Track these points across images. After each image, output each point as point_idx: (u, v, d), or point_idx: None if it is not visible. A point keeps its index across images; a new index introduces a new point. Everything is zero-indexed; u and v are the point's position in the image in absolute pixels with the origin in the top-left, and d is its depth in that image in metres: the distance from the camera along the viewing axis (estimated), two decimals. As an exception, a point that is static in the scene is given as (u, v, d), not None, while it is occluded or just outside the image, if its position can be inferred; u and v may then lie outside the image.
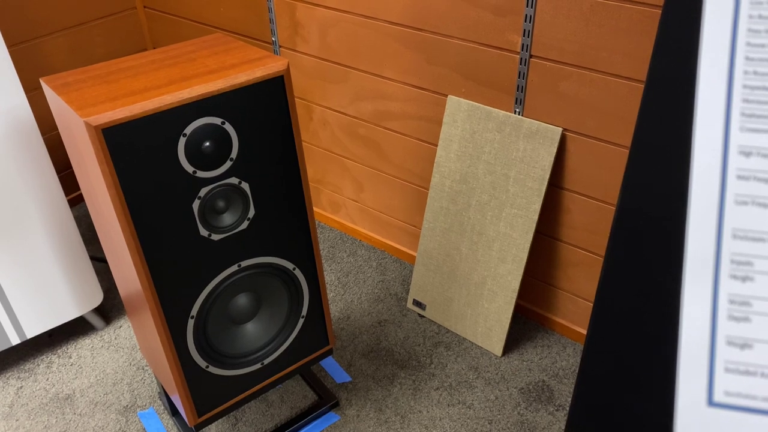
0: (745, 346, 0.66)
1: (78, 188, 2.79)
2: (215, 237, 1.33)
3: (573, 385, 1.87)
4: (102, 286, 2.31)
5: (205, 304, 1.38)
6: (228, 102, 1.23)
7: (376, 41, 1.99)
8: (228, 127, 1.25)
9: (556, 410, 1.80)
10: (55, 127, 2.64)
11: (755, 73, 0.65)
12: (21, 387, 1.93)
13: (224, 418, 1.81)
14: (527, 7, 1.61)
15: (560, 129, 1.69)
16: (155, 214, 1.23)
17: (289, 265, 1.48)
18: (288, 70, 1.28)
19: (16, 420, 1.83)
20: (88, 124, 1.09)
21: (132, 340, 2.08)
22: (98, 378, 1.95)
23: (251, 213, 1.36)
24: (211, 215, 1.31)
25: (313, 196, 2.60)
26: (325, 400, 1.83)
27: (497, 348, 1.97)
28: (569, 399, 1.83)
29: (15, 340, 1.87)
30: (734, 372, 0.66)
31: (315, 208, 2.63)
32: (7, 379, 1.96)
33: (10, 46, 2.39)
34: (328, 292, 2.26)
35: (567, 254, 1.91)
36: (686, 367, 0.68)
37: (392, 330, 2.08)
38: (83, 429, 1.80)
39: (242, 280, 1.42)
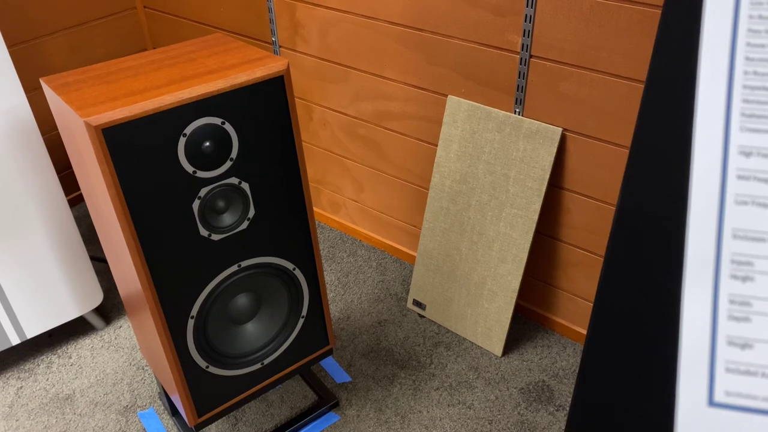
0: (745, 346, 0.66)
1: (78, 188, 2.79)
2: (215, 237, 1.33)
3: (573, 385, 1.87)
4: (102, 286, 2.31)
5: (205, 304, 1.38)
6: (228, 102, 1.23)
7: (376, 41, 1.99)
8: (228, 127, 1.25)
9: (556, 410, 1.80)
10: (55, 127, 2.64)
11: (755, 73, 0.65)
12: (21, 387, 1.93)
13: (224, 418, 1.81)
14: (527, 7, 1.61)
15: (560, 129, 1.69)
16: (155, 214, 1.23)
17: (289, 265, 1.48)
18: (288, 70, 1.28)
19: (16, 420, 1.83)
20: (88, 124, 1.09)
21: (132, 340, 2.08)
22: (98, 378, 1.95)
23: (251, 213, 1.36)
24: (211, 215, 1.31)
25: (313, 196, 2.60)
26: (325, 400, 1.83)
27: (497, 348, 1.97)
28: (569, 399, 1.83)
29: (15, 340, 1.87)
30: (735, 372, 0.66)
31: (315, 208, 2.63)
32: (7, 379, 1.96)
33: (10, 46, 2.39)
34: (328, 292, 2.26)
35: (567, 254, 1.91)
36: (687, 367, 0.68)
37: (392, 330, 2.08)
38: (83, 429, 1.80)
39: (242, 280, 1.42)
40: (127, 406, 1.86)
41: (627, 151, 1.65)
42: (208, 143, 1.23)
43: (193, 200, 1.26)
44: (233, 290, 1.42)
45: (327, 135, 2.36)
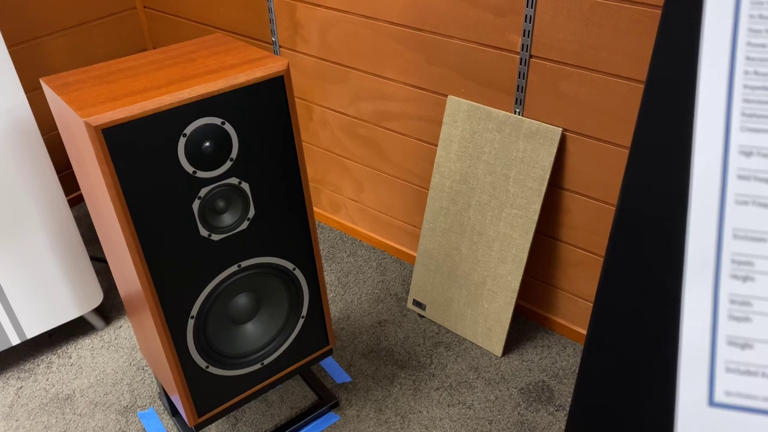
0: (745, 346, 0.66)
1: (78, 188, 2.79)
2: (215, 237, 1.33)
3: (573, 385, 1.87)
4: (102, 286, 2.31)
5: (205, 304, 1.38)
6: (228, 102, 1.23)
7: (376, 41, 1.99)
8: (228, 127, 1.25)
9: (556, 410, 1.80)
10: (55, 127, 2.64)
11: (756, 73, 0.65)
12: (21, 387, 1.93)
13: (224, 418, 1.81)
14: (527, 7, 1.61)
15: (560, 129, 1.69)
16: (155, 214, 1.23)
17: (289, 265, 1.48)
18: (288, 70, 1.28)
19: (16, 420, 1.83)
20: (88, 124, 1.09)
21: (132, 340, 2.08)
22: (98, 378, 1.95)
23: (251, 213, 1.36)
24: (211, 215, 1.31)
25: (313, 196, 2.60)
26: (325, 400, 1.83)
27: (497, 348, 1.97)
28: (569, 399, 1.83)
29: (15, 340, 1.87)
30: (735, 372, 0.66)
31: (315, 208, 2.63)
32: (7, 379, 1.96)
33: (10, 46, 2.39)
34: (328, 292, 2.26)
35: (567, 254, 1.91)
36: (687, 367, 0.68)
37: (392, 330, 2.08)
38: (83, 429, 1.80)
39: (242, 280, 1.42)
40: (127, 406, 1.86)
41: (627, 151, 1.64)
42: (208, 143, 1.23)
43: (193, 200, 1.26)
44: (233, 290, 1.42)
45: (327, 135, 2.36)
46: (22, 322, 1.86)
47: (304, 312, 1.57)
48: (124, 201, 1.18)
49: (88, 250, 2.47)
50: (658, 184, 0.93)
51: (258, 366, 1.53)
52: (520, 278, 1.85)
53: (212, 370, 1.46)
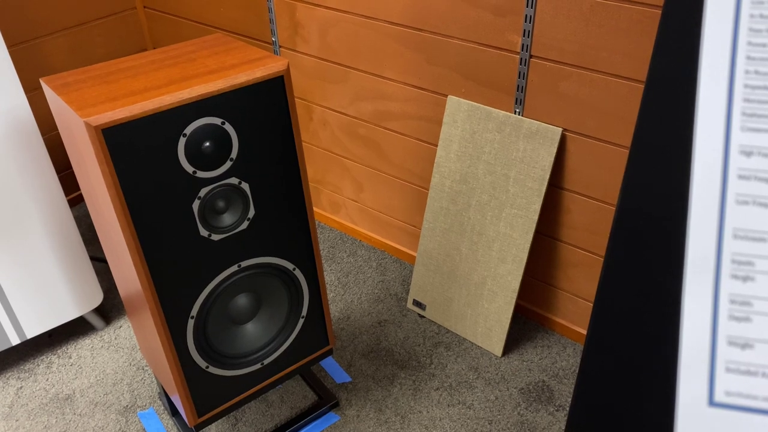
0: (746, 346, 0.66)
1: (78, 188, 2.79)
2: (215, 237, 1.33)
3: (573, 385, 1.87)
4: (102, 286, 2.31)
5: (205, 304, 1.38)
6: (228, 102, 1.23)
7: (376, 41, 1.99)
8: (228, 127, 1.25)
9: (556, 410, 1.80)
10: (55, 127, 2.64)
11: (756, 72, 0.65)
12: (21, 387, 1.93)
13: (224, 418, 1.81)
14: (527, 7, 1.61)
15: (560, 129, 1.69)
16: (155, 214, 1.23)
17: (289, 266, 1.48)
18: (288, 70, 1.28)
19: (16, 420, 1.83)
20: (88, 124, 1.09)
21: (132, 340, 2.08)
22: (98, 378, 1.95)
23: (251, 213, 1.36)
24: (211, 215, 1.31)
25: (313, 196, 2.60)
26: (325, 400, 1.83)
27: (497, 348, 1.97)
28: (569, 399, 1.83)
29: (15, 340, 1.87)
30: (735, 372, 0.66)
31: (315, 208, 2.63)
32: (7, 379, 1.96)
33: (10, 46, 2.39)
34: (328, 292, 2.26)
35: (567, 254, 1.91)
36: (687, 367, 0.68)
37: (392, 330, 2.08)
38: (83, 429, 1.80)
39: (242, 280, 1.42)
40: (127, 406, 1.86)
41: (627, 151, 1.64)
42: (208, 143, 1.23)
43: (193, 200, 1.26)
44: (233, 290, 1.42)
45: (327, 135, 2.36)
46: (22, 322, 1.86)
47: (304, 312, 1.57)
48: (124, 201, 1.18)
49: (88, 250, 2.47)
50: (658, 184, 0.93)
51: (258, 366, 1.53)
52: (520, 278, 1.85)
53: (212, 370, 1.45)
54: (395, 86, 2.03)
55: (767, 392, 0.66)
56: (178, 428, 1.78)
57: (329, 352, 1.69)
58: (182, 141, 1.20)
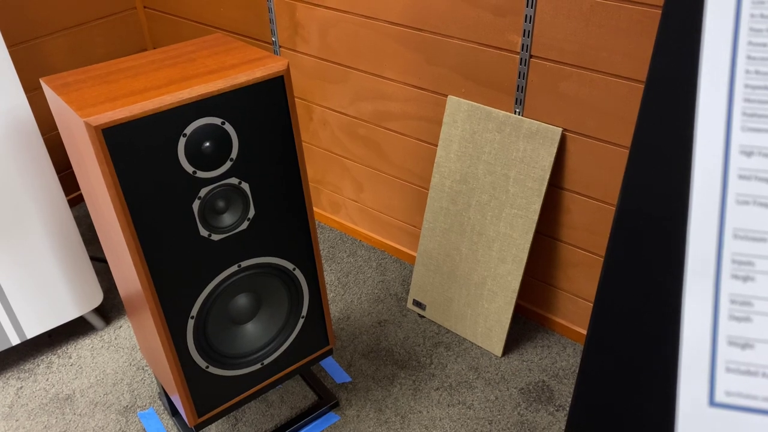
0: (746, 346, 0.66)
1: (78, 188, 2.79)
2: (215, 237, 1.33)
3: (573, 385, 1.87)
4: (102, 286, 2.31)
5: (205, 304, 1.38)
6: (228, 102, 1.23)
7: (376, 41, 1.99)
8: (228, 127, 1.25)
9: (556, 410, 1.80)
10: (55, 127, 2.64)
11: (757, 72, 0.65)
12: (21, 387, 1.93)
13: (224, 418, 1.81)
14: (527, 7, 1.61)
15: (560, 129, 1.69)
16: (155, 214, 1.23)
17: (289, 266, 1.48)
18: (288, 70, 1.28)
19: (16, 420, 1.83)
20: (88, 124, 1.09)
21: (132, 340, 2.08)
22: (98, 378, 1.95)
23: (251, 213, 1.36)
24: (211, 215, 1.31)
25: (313, 196, 2.60)
26: (325, 400, 1.82)
27: (497, 348, 1.97)
28: (569, 399, 1.83)
29: (15, 340, 1.87)
30: (735, 372, 0.66)
31: (315, 208, 2.63)
32: (7, 379, 1.96)
33: (10, 46, 2.39)
34: (328, 292, 2.26)
35: (567, 254, 1.91)
36: (687, 367, 0.68)
37: (392, 330, 2.08)
38: (83, 429, 1.80)
39: (242, 280, 1.42)
40: (127, 406, 1.86)
41: (627, 151, 1.64)
42: (208, 143, 1.23)
43: (193, 200, 1.26)
44: (233, 290, 1.42)
45: (327, 135, 2.36)
46: (22, 322, 1.86)
47: (304, 312, 1.57)
48: (124, 201, 1.18)
49: (88, 250, 2.47)
50: (658, 184, 0.93)
51: (258, 366, 1.53)
52: (520, 278, 1.85)
53: (212, 370, 1.45)
54: (395, 86, 2.03)
55: (767, 392, 0.66)
56: (178, 428, 1.78)
57: (329, 352, 1.69)
58: (182, 141, 1.20)
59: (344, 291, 2.25)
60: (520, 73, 1.72)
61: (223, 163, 1.27)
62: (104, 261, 2.39)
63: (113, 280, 2.33)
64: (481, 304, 1.97)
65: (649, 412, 1.08)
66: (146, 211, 1.21)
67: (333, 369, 1.95)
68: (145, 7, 2.72)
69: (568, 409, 1.79)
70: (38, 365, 2.00)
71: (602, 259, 1.77)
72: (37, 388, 1.92)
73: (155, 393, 1.89)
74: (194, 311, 1.37)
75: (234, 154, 1.28)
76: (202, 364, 1.43)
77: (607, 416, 1.15)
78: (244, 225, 1.36)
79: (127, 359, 2.01)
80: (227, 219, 1.33)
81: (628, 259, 1.00)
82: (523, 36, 1.66)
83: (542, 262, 1.98)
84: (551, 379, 1.89)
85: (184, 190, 1.24)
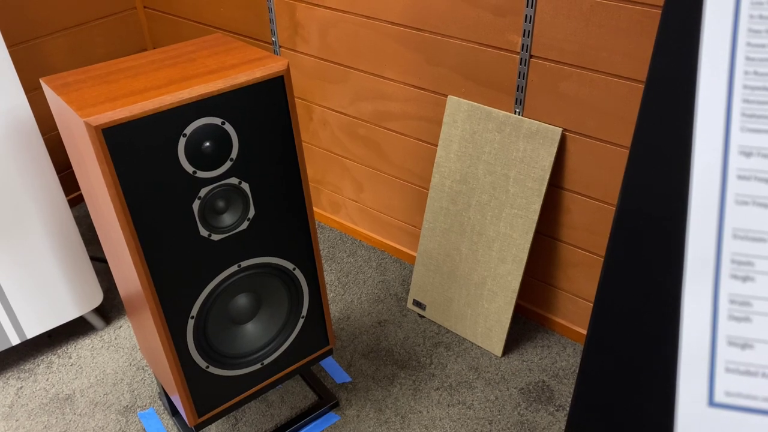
0: (745, 346, 0.66)
1: (78, 188, 2.79)
2: (215, 237, 1.33)
3: (573, 385, 1.87)
4: (102, 286, 2.31)
5: (205, 304, 1.38)
6: (228, 102, 1.23)
7: (376, 41, 1.99)
8: (228, 127, 1.25)
9: (556, 410, 1.80)
10: (55, 127, 2.64)
11: (756, 73, 0.65)
12: (21, 387, 1.93)
13: (224, 418, 1.81)
14: (527, 7, 1.61)
15: (560, 129, 1.69)
16: (155, 214, 1.23)
17: (289, 266, 1.48)
18: (288, 70, 1.28)
19: (16, 420, 1.83)
20: (88, 124, 1.09)
21: (132, 340, 2.08)
22: (98, 378, 1.95)
23: (251, 213, 1.36)
24: (211, 215, 1.31)
25: (313, 196, 2.60)
26: (325, 400, 1.83)
27: (497, 348, 1.97)
28: (569, 399, 1.83)
29: (15, 340, 1.87)
30: (735, 372, 0.66)
31: (315, 208, 2.63)
32: (7, 379, 1.96)
33: (10, 46, 2.39)
34: (328, 292, 2.26)
35: (567, 254, 1.91)
36: (687, 367, 0.68)
37: (392, 330, 2.08)
38: (83, 429, 1.80)
39: (242, 280, 1.42)
40: (127, 406, 1.86)
41: (627, 151, 1.64)
42: (208, 143, 1.23)
43: (193, 200, 1.26)
44: (233, 290, 1.42)
45: (327, 135, 2.36)
46: (22, 322, 1.86)
47: (304, 312, 1.57)
48: (124, 201, 1.18)
49: (88, 250, 2.47)
50: (658, 184, 0.93)
51: (258, 366, 1.53)
52: (520, 278, 1.85)
53: (212, 370, 1.46)
54: (395, 86, 2.03)
55: (767, 392, 0.66)
56: (178, 428, 1.78)
57: (329, 352, 1.69)
58: (182, 141, 1.20)
59: (344, 291, 2.25)
60: (520, 73, 1.72)
61: (223, 163, 1.27)
62: (104, 261, 2.39)
63: (113, 280, 2.33)
64: (481, 304, 1.97)
65: (648, 412, 1.08)
66: (146, 211, 1.21)
67: (333, 369, 1.95)
68: (145, 7, 2.72)
69: (568, 409, 1.79)
70: (38, 365, 2.00)
71: (602, 259, 1.77)
72: (37, 388, 1.92)
73: (155, 393, 1.89)
74: (194, 311, 1.37)
75: (234, 154, 1.28)
76: (202, 364, 1.43)
77: (607, 416, 1.15)
78: (244, 225, 1.36)
79: (127, 359, 2.01)
80: (227, 219, 1.33)
81: (628, 259, 1.00)
82: (523, 36, 1.66)
83: (542, 262, 1.98)
84: (551, 379, 1.89)
85: (184, 190, 1.24)
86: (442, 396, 1.85)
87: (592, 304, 1.94)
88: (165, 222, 1.24)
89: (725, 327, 0.67)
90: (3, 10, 2.33)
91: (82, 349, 2.05)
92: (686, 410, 0.68)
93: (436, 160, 1.96)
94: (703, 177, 0.67)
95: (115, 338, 2.09)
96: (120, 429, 1.79)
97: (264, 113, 1.29)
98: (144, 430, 1.79)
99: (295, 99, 2.26)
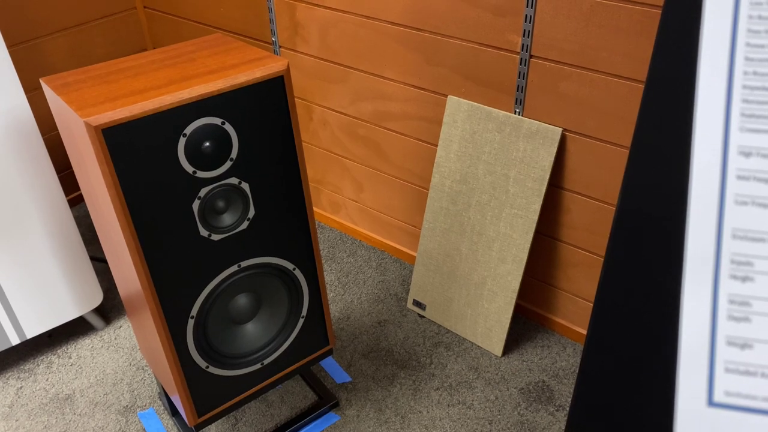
0: (745, 346, 0.66)
1: (78, 188, 2.79)
2: (215, 237, 1.33)
3: (573, 385, 1.87)
4: (102, 286, 2.31)
5: (205, 304, 1.38)
6: (228, 102, 1.23)
7: (376, 41, 1.99)
8: (228, 127, 1.25)
9: (556, 410, 1.80)
10: (55, 127, 2.65)
11: (755, 73, 0.65)
12: (21, 387, 1.93)
13: (224, 418, 1.81)
14: (527, 7, 1.61)
15: (560, 129, 1.69)
16: (155, 215, 1.23)
17: (289, 266, 1.48)
18: (288, 70, 1.28)
19: (16, 420, 1.83)
20: (88, 124, 1.09)
21: (132, 340, 2.08)
22: (98, 378, 1.95)
23: (251, 213, 1.36)
24: (211, 215, 1.31)
25: (313, 196, 2.60)
26: (325, 400, 1.83)
27: (497, 348, 1.97)
28: (569, 399, 1.83)
29: (15, 340, 1.87)
30: (734, 372, 0.66)
31: (315, 208, 2.63)
32: (7, 379, 1.96)
33: (10, 46, 2.39)
34: (328, 292, 2.26)
35: (567, 254, 1.91)
36: (686, 367, 0.68)
37: (392, 330, 2.08)
38: (83, 429, 1.80)
39: (242, 280, 1.42)
40: (127, 406, 1.86)
41: (627, 151, 1.65)
42: (208, 143, 1.23)
43: (193, 200, 1.26)
44: (233, 290, 1.42)
45: (327, 135, 2.36)
46: (22, 322, 1.86)
47: (304, 312, 1.57)
48: (124, 201, 1.18)
49: (88, 250, 2.47)
50: (658, 184, 0.93)
51: (258, 366, 1.53)
52: (520, 278, 1.85)
53: (212, 370, 1.46)
54: (395, 86, 2.03)
55: (766, 392, 0.66)
56: (178, 428, 1.78)
57: (329, 352, 1.69)
58: (182, 141, 1.20)
59: (344, 291, 2.25)
60: (520, 73, 1.72)
61: (223, 163, 1.27)
62: (104, 261, 2.39)
63: (113, 280, 2.33)
64: (481, 304, 1.97)
65: (648, 412, 1.08)
66: (146, 211, 1.21)
67: (333, 369, 1.95)
68: (145, 7, 2.72)
69: (568, 409, 1.79)
70: (38, 365, 2.00)
71: (602, 259, 1.77)
72: (37, 388, 1.93)
73: (155, 393, 1.89)
74: (194, 311, 1.37)
75: (234, 154, 1.28)
76: (202, 364, 1.43)
77: (607, 416, 1.15)
78: (244, 225, 1.36)
79: (127, 359, 2.01)
80: (227, 219, 1.33)
81: (628, 259, 1.00)
82: (523, 36, 1.66)
83: (542, 262, 1.98)
84: (551, 379, 1.89)
85: (184, 190, 1.24)
86: (442, 396, 1.85)
87: (592, 304, 1.94)
88: (165, 222, 1.24)
89: (724, 327, 0.67)
90: (3, 10, 2.33)
91: (82, 349, 2.05)
92: (686, 410, 0.68)
93: (436, 160, 1.96)
94: (703, 177, 0.67)
95: (115, 338, 2.09)
96: (120, 429, 1.79)
97: (264, 113, 1.29)
98: (144, 430, 1.79)
99: (295, 99, 2.26)
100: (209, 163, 1.25)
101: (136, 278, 1.28)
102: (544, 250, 1.96)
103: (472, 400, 1.83)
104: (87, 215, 2.68)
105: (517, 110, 1.77)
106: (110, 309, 2.21)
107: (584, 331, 2.00)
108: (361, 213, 2.45)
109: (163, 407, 1.85)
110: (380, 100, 2.10)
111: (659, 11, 1.44)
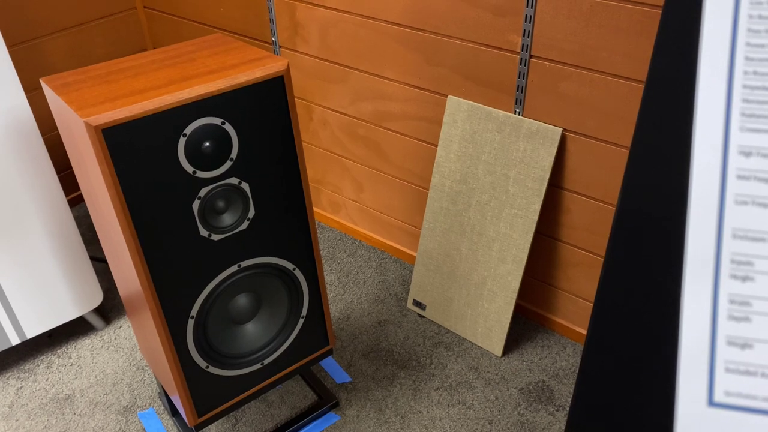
0: (745, 346, 0.66)
1: (78, 188, 2.79)
2: (215, 237, 1.33)
3: (573, 385, 1.87)
4: (102, 286, 2.31)
5: (205, 304, 1.38)
6: (228, 102, 1.23)
7: (376, 41, 1.99)
8: (228, 127, 1.25)
9: (556, 410, 1.80)
10: (55, 127, 2.64)
11: (755, 73, 0.65)
12: (21, 387, 1.93)
13: (224, 418, 1.81)
14: (527, 7, 1.61)
15: (560, 129, 1.69)
16: (155, 215, 1.23)
17: (289, 266, 1.48)
18: (288, 70, 1.28)
19: (16, 420, 1.83)
20: (88, 124, 1.09)
21: (132, 340, 2.08)
22: (98, 378, 1.95)
23: (251, 213, 1.36)
24: (211, 215, 1.31)
25: (313, 196, 2.60)
26: (325, 400, 1.83)
27: (497, 348, 1.97)
28: (569, 399, 1.83)
29: (15, 340, 1.87)
30: (735, 372, 0.66)
31: (315, 208, 2.63)
32: (7, 379, 1.96)
33: (10, 46, 2.39)
34: (328, 292, 2.26)
35: (567, 254, 1.91)
36: (686, 367, 0.68)
37: (392, 330, 2.08)
38: (83, 429, 1.80)
39: (242, 280, 1.42)
40: (127, 406, 1.86)
41: (627, 151, 1.64)
42: (208, 143, 1.23)
43: (193, 200, 1.26)
44: (233, 290, 1.42)
45: (327, 135, 2.36)
46: (22, 322, 1.86)
47: (304, 312, 1.57)
48: (124, 201, 1.18)
49: (88, 250, 2.47)
50: (658, 184, 0.93)
51: (258, 366, 1.53)
52: (520, 278, 1.85)
53: (212, 370, 1.46)
54: (395, 86, 2.03)
55: (767, 392, 0.66)
56: (178, 428, 1.78)
57: (329, 352, 1.69)
58: (182, 141, 1.20)
59: (344, 291, 2.25)
60: (520, 73, 1.72)
61: (223, 163, 1.27)
62: (104, 261, 2.39)
63: (113, 280, 2.33)
64: (481, 304, 1.97)
65: (648, 412, 1.08)
66: (146, 211, 1.21)
67: (333, 369, 1.95)
68: (145, 7, 2.72)
69: (568, 409, 1.79)
70: (38, 365, 2.00)
71: (602, 259, 1.77)
72: (37, 388, 1.92)
73: (155, 393, 1.89)
74: (194, 311, 1.37)
75: (234, 154, 1.28)
76: (202, 364, 1.43)
77: (607, 416, 1.15)
78: (244, 225, 1.36)
79: (127, 359, 2.01)
80: (227, 219, 1.33)
81: (628, 259, 1.00)
82: (523, 36, 1.66)
83: (542, 262, 1.98)
84: (551, 379, 1.89)
85: (184, 190, 1.24)
86: (442, 396, 1.85)
87: (592, 304, 1.94)
88: (165, 222, 1.24)
89: (725, 327, 0.67)
90: (3, 10, 2.33)
91: (82, 349, 2.05)
92: (686, 410, 0.68)
93: (436, 160, 1.96)
94: (703, 177, 0.67)
95: (115, 338, 2.09)
96: (120, 429, 1.79)
97: (264, 113, 1.29)
98: (144, 430, 1.79)
99: (295, 99, 2.26)
100: (209, 163, 1.25)
101: (136, 278, 1.28)
102: (544, 250, 1.96)
103: (472, 400, 1.83)
104: (87, 215, 2.68)
105: (517, 110, 1.77)
106: (110, 309, 2.21)
107: (584, 331, 2.00)
108: (361, 213, 2.45)
109: (163, 407, 1.85)
110: (380, 100, 2.10)
111: (659, 11, 1.44)
